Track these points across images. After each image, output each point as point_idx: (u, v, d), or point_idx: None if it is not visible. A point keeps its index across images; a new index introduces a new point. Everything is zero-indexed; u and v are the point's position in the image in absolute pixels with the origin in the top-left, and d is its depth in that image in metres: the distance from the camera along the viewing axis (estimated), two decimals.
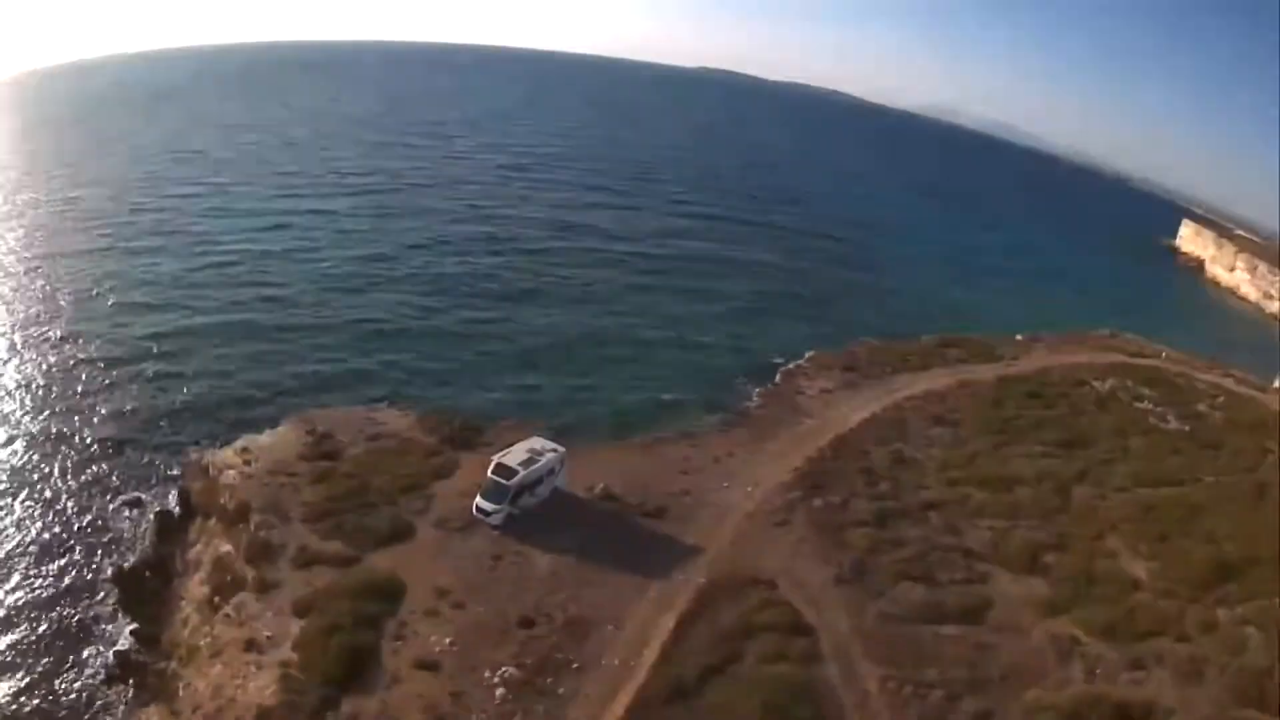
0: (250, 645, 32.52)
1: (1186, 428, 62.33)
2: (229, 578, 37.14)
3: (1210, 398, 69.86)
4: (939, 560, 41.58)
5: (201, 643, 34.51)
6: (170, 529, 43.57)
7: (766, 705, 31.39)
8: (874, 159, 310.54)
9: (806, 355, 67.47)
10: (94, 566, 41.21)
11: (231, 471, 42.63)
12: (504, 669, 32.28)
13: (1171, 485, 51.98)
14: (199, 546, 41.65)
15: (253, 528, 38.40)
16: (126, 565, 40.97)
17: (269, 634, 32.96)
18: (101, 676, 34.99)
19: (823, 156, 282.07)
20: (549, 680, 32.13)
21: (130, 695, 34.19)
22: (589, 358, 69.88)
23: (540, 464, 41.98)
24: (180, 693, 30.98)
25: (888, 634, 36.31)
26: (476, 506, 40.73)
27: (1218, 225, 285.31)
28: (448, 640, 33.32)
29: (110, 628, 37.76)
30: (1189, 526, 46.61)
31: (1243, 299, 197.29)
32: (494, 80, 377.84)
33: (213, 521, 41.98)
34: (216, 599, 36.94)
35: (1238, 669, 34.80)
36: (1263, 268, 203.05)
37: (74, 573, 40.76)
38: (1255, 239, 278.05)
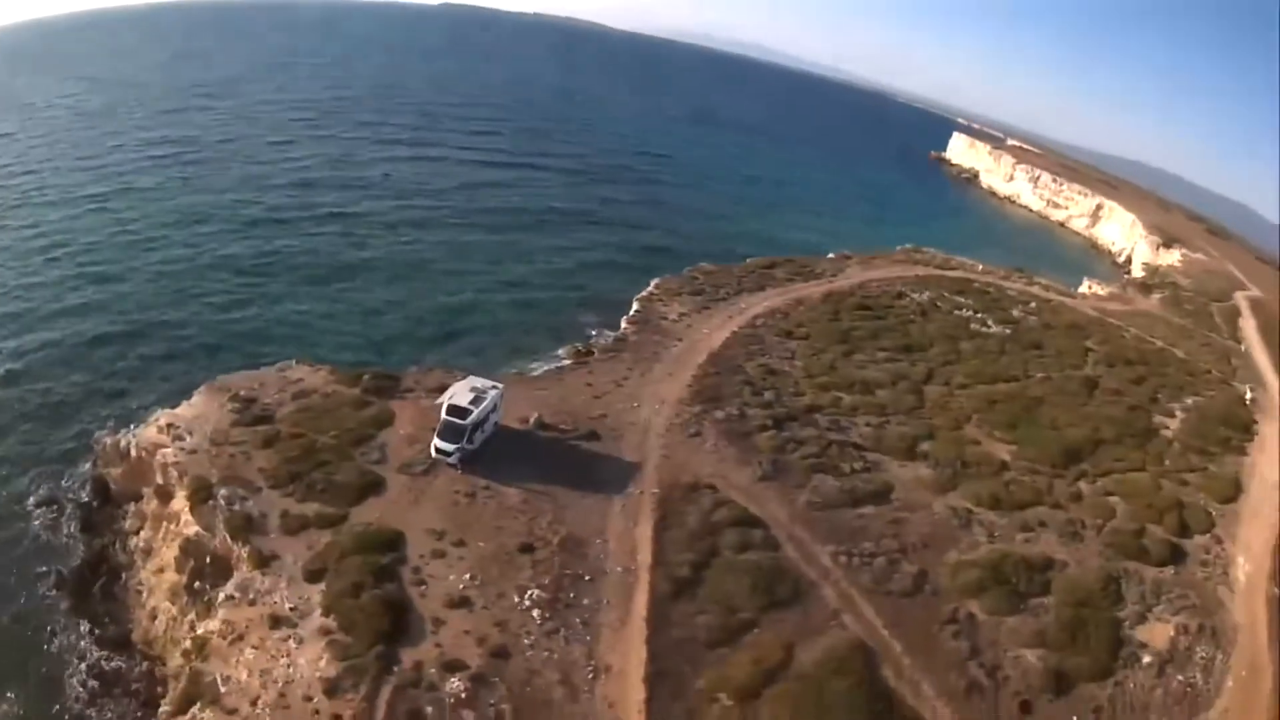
0: (277, 621, 32.03)
1: (1008, 331, 75.21)
2: (208, 559, 35.74)
3: (1023, 304, 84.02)
4: (837, 454, 49.07)
5: (200, 631, 33.27)
6: (96, 522, 40.62)
7: (755, 587, 37.00)
8: (642, 89, 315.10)
9: (653, 284, 71.98)
10: (29, 578, 38.06)
11: (167, 450, 40.01)
12: (530, 592, 35.01)
13: (1007, 382, 63.83)
14: (146, 533, 39.39)
15: (223, 502, 36.78)
16: (65, 571, 37.77)
17: (291, 605, 32.73)
18: (84, 696, 33.72)
19: (593, 89, 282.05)
20: (571, 594, 35.42)
21: (130, 706, 32.95)
22: (440, 320, 71.90)
23: (486, 401, 43.71)
24: (221, 686, 29.85)
25: (820, 518, 43.15)
26: (435, 448, 41.92)
27: (987, 136, 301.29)
28: (467, 576, 35.28)
29: (69, 640, 35.98)
30: (1033, 416, 58.45)
31: (1024, 208, 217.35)
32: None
33: (153, 504, 39.79)
34: (197, 584, 35.71)
35: (1112, 530, 45.74)
36: (1045, 177, 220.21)
37: (10, 590, 37.74)
38: (1029, 148, 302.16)
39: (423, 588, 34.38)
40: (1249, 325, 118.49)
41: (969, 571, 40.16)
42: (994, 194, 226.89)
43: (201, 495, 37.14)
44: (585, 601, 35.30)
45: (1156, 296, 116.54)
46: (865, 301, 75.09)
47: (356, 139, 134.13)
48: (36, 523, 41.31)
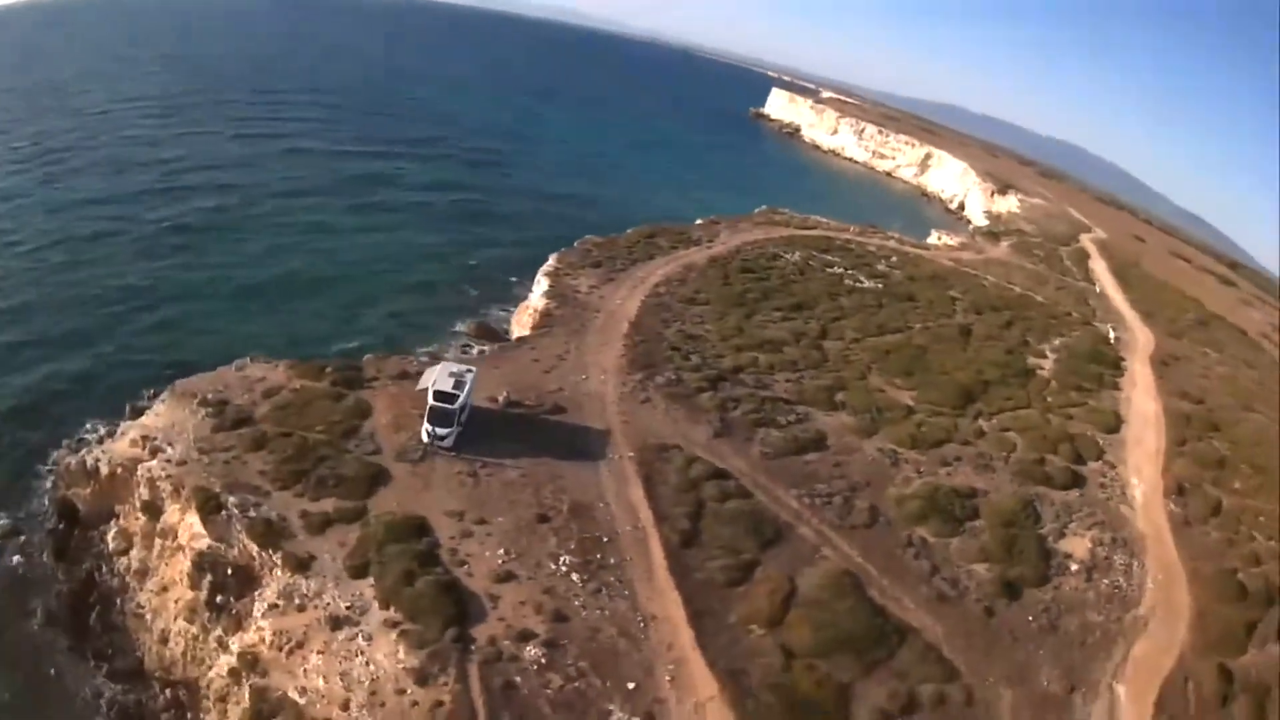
0: (337, 622, 32.24)
1: (879, 285, 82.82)
2: (229, 570, 35.06)
3: (885, 259, 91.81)
4: (771, 409, 54.19)
5: (237, 647, 33.06)
6: (71, 548, 38.21)
7: (746, 531, 41.56)
8: (466, 62, 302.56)
9: (552, 259, 73.78)
10: (16, 618, 35.84)
11: (149, 464, 38.16)
12: (562, 558, 37.44)
13: (893, 333, 71.16)
14: (137, 552, 37.61)
15: (236, 510, 35.86)
16: (53, 605, 35.45)
17: (347, 604, 33.03)
18: None
19: (421, 67, 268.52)
20: (598, 556, 38.23)
21: None
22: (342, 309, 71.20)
23: (467, 384, 44.77)
24: (298, 698, 29.98)
25: (775, 467, 48.17)
26: (429, 434, 42.86)
27: (803, 90, 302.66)
28: (501, 551, 37.06)
29: (78, 679, 34.57)
30: (923, 363, 65.99)
31: (849, 160, 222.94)
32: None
33: (139, 522, 38.00)
34: (219, 598, 35.05)
35: (1017, 461, 53.62)
36: (870, 129, 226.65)
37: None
38: (847, 99, 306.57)
39: (465, 567, 35.88)
40: (1100, 266, 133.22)
41: (911, 503, 46.67)
42: (818, 148, 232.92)
43: (210, 506, 36.07)
44: (611, 561, 38.21)
45: (1005, 244, 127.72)
46: (747, 264, 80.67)
47: (215, 134, 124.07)
48: (5, 557, 37.89)
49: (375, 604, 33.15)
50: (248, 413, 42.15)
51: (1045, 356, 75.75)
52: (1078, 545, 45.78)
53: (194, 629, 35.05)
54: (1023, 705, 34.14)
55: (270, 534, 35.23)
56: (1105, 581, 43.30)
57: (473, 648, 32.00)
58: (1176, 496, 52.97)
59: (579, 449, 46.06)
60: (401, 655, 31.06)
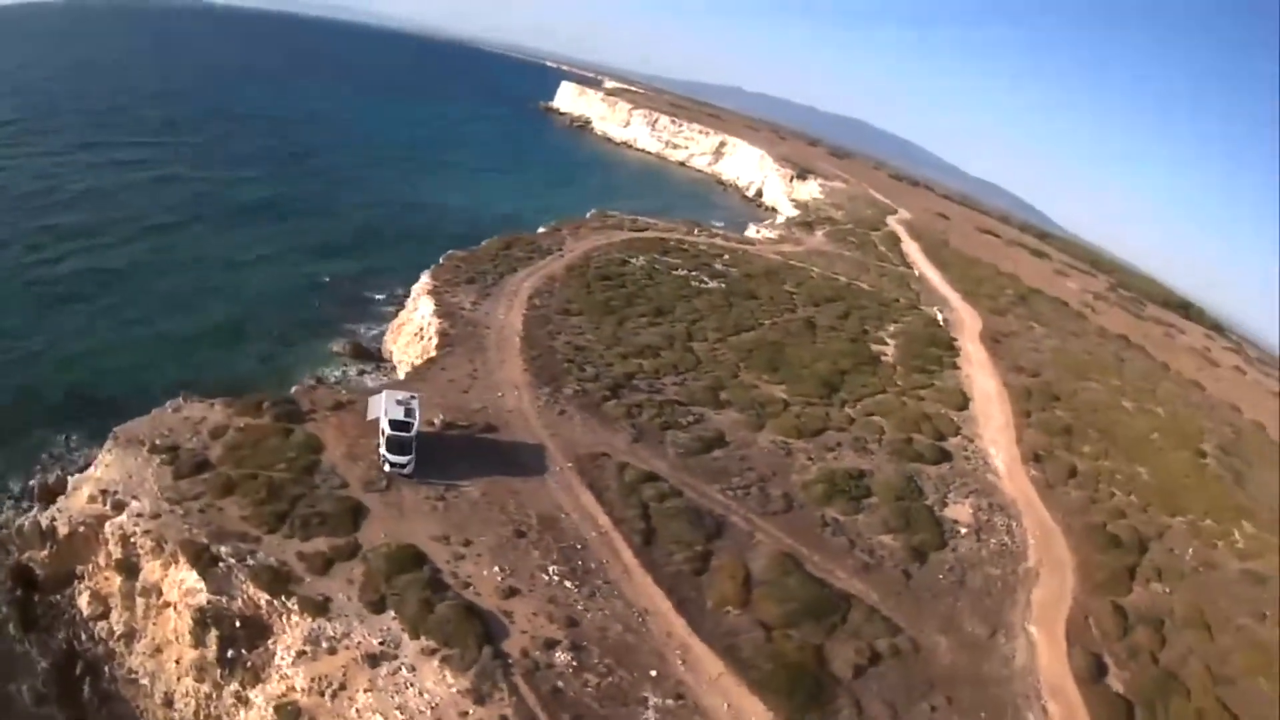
0: (375, 659, 32.88)
1: (722, 285, 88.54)
2: (236, 623, 34.25)
3: (718, 257, 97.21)
4: (670, 412, 58.81)
5: (260, 700, 32.92)
6: (39, 617, 34.74)
7: (690, 524, 46.02)
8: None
9: (425, 277, 73.91)
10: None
11: (117, 520, 35.73)
12: (550, 568, 40.02)
13: (747, 331, 77.39)
14: (118, 615, 35.32)
15: (233, 560, 34.78)
16: (38, 683, 32.52)
17: (379, 640, 33.67)
18: None
19: (208, 74, 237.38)
20: (578, 562, 41.27)
21: None
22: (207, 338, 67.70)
23: (417, 411, 45.31)
24: None
25: (692, 466, 53.08)
26: (389, 463, 43.45)
27: (587, 80, 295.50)
28: (495, 569, 39.02)
29: None
30: (784, 358, 72.77)
31: (642, 151, 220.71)
32: None
33: (115, 582, 35.59)
34: (230, 652, 34.35)
35: (889, 442, 61.36)
36: (664, 120, 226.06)
37: None
38: (635, 89, 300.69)
39: (470, 588, 37.55)
40: (913, 249, 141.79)
41: (815, 487, 53.08)
42: (610, 140, 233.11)
43: (206, 559, 34.73)
44: (592, 565, 41.34)
45: (820, 233, 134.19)
46: (601, 272, 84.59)
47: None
48: None
49: (405, 635, 34.10)
50: (202, 456, 40.42)
51: (886, 343, 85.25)
52: (961, 512, 54.20)
53: (205, 687, 34.02)
54: (957, 649, 41.41)
55: (277, 580, 34.84)
56: (993, 541, 51.87)
57: (510, 662, 34.02)
58: (1035, 463, 63.22)
59: (522, 464, 48.27)
60: (450, 679, 32.48)
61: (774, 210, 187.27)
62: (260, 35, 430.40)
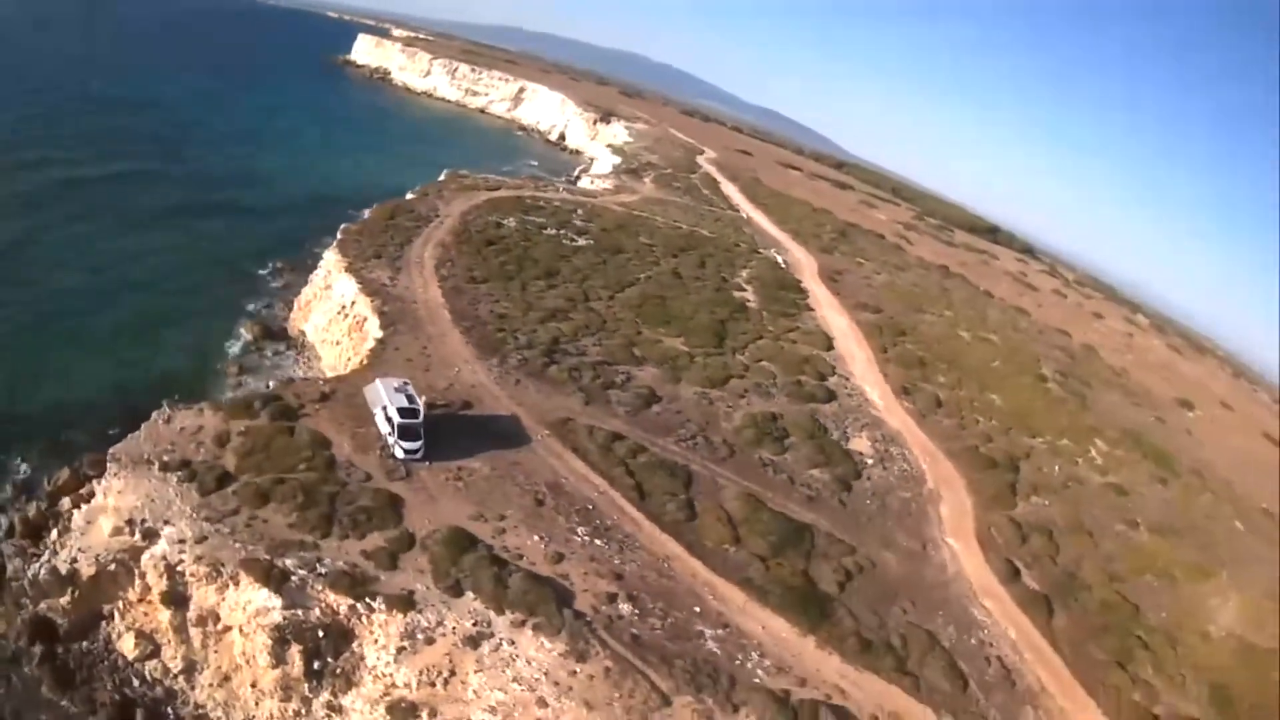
0: (475, 641, 33.36)
1: (591, 242, 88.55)
2: (320, 632, 33.24)
3: (572, 212, 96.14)
4: (602, 372, 60.51)
5: (360, 704, 32.52)
6: (75, 670, 31.77)
7: (667, 476, 49.06)
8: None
9: (332, 258, 69.20)
10: None
11: (153, 550, 32.56)
12: (578, 530, 41.70)
13: (630, 286, 78.73)
14: (171, 651, 32.58)
15: (303, 571, 33.45)
16: None
17: (471, 622, 34.04)
18: None
19: None
20: (596, 522, 43.38)
21: None
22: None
23: (418, 397, 44.57)
24: (494, 717, 30.82)
25: (641, 422, 55.75)
26: (403, 450, 42.81)
27: (376, 30, 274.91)
28: (535, 537, 40.30)
29: None
30: (669, 311, 74.89)
31: (442, 99, 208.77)
32: None
33: (163, 617, 32.84)
34: (316, 663, 33.47)
35: (783, 385, 65.76)
36: (464, 68, 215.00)
37: None
38: (423, 36, 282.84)
39: (524, 559, 38.66)
40: (732, 190, 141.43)
41: (745, 432, 57.13)
42: (410, 90, 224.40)
43: (276, 575, 32.87)
44: (608, 523, 43.65)
45: (648, 180, 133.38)
46: (484, 236, 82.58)
47: None
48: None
49: (492, 613, 34.88)
50: (219, 468, 37.49)
51: (745, 289, 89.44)
52: (862, 444, 60.01)
53: (292, 705, 32.98)
54: (900, 561, 47.33)
55: (356, 583, 33.90)
56: (896, 468, 58.09)
57: (589, 619, 35.84)
58: (905, 396, 70.12)
59: (507, 436, 48.84)
60: (548, 644, 33.94)
61: (579, 153, 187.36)
62: None
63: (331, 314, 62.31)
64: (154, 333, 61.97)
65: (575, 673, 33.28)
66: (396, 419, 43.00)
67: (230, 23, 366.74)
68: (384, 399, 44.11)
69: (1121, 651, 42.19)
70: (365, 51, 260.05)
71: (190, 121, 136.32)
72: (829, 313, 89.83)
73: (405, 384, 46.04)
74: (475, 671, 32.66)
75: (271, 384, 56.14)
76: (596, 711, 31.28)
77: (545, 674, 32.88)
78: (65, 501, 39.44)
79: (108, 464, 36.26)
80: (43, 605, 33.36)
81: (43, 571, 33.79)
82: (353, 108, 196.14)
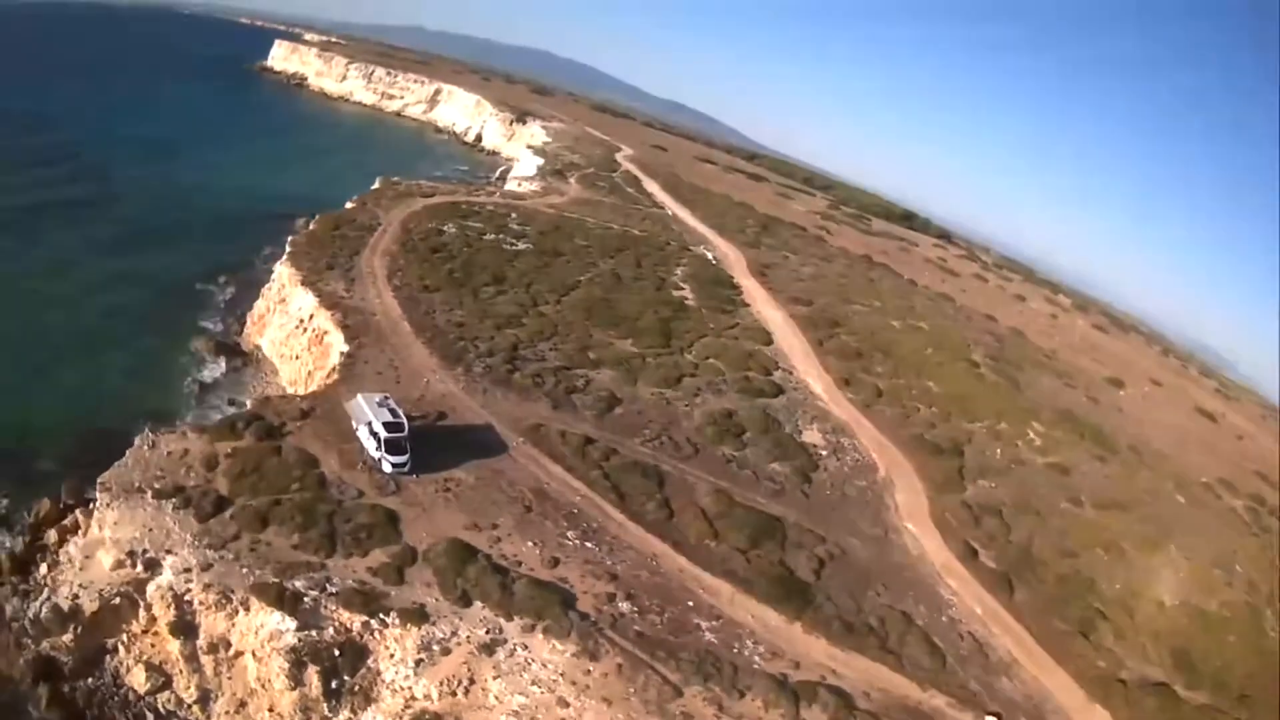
0: (489, 649, 34.01)
1: (530, 246, 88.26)
2: (337, 651, 33.18)
3: (507, 216, 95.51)
4: (563, 377, 61.02)
5: (405, 710, 32.70)
6: (81, 712, 30.88)
7: (642, 477, 50.29)
8: None
9: (284, 273, 67.29)
10: None
11: (161, 579, 31.82)
12: (568, 534, 42.67)
13: (574, 289, 79.02)
14: (184, 681, 32.87)
15: (314, 592, 33.25)
16: None
17: (484, 630, 34.68)
18: None
19: None
20: (584, 525, 44.39)
21: None
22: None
23: (401, 411, 44.45)
24: None
25: (608, 424, 56.52)
26: (391, 464, 42.84)
27: (287, 35, 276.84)
28: (529, 544, 41.14)
29: None
30: (617, 312, 75.55)
31: (358, 104, 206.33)
32: None
33: (171, 648, 32.19)
34: (334, 682, 33.50)
35: (733, 381, 66.73)
36: (379, 71, 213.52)
37: None
38: (341, 41, 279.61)
39: (523, 565, 39.37)
40: (654, 188, 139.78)
41: (706, 430, 58.30)
42: (326, 95, 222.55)
43: (289, 598, 32.60)
44: (594, 525, 44.67)
45: (574, 180, 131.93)
46: (428, 245, 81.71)
47: None
48: None
49: (502, 620, 35.57)
50: (212, 492, 36.81)
51: (682, 287, 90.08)
52: (814, 437, 61.91)
53: None
54: (867, 547, 49.41)
55: (367, 600, 33.88)
56: (849, 458, 60.13)
57: (594, 620, 36.86)
58: (847, 387, 72.08)
59: (485, 444, 49.25)
60: (559, 646, 34.90)
61: (496, 154, 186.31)
62: None
63: (289, 328, 60.94)
64: (105, 355, 59.72)
65: (590, 671, 34.29)
66: (383, 434, 42.93)
67: (142, 30, 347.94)
68: (368, 414, 43.95)
69: (1082, 622, 45.49)
70: (282, 58, 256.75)
71: (106, 137, 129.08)
72: (764, 308, 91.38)
73: (387, 398, 45.86)
74: (494, 678, 33.23)
75: (234, 401, 54.99)
76: (616, 707, 32.42)
77: (562, 675, 33.77)
78: (51, 534, 37.99)
79: (98, 494, 35.14)
80: (45, 644, 32.13)
81: (44, 610, 32.54)
82: (273, 116, 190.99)
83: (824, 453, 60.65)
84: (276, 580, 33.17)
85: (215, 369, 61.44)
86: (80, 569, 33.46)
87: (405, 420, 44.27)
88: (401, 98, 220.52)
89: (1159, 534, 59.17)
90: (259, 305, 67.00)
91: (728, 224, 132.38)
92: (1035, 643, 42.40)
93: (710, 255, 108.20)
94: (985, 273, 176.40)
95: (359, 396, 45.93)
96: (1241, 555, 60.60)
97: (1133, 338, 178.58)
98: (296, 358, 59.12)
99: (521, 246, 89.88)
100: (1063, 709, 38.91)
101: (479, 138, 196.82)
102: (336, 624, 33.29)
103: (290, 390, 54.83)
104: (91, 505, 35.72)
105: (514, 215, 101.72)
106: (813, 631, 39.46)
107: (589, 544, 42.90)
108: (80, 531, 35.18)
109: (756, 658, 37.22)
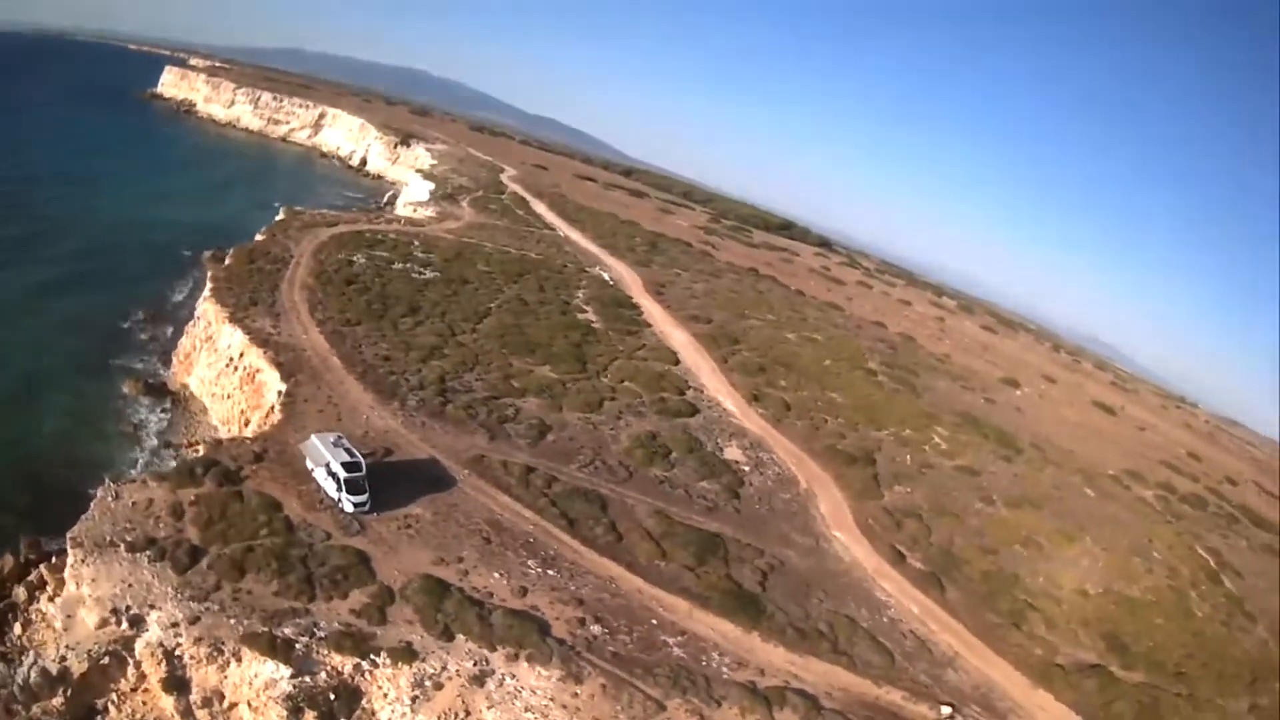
0: (479, 680, 34.58)
1: (437, 274, 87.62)
2: (331, 695, 33.12)
3: (409, 244, 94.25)
4: (494, 406, 61.55)
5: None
6: None
7: (585, 502, 51.65)
8: None
9: (211, 306, 63.75)
10: None
11: (148, 635, 30.85)
12: (528, 563, 43.73)
13: (486, 316, 79.31)
14: None
15: (305, 638, 32.95)
16: None
17: (472, 662, 35.16)
18: None
19: None
20: (541, 553, 45.43)
21: None
22: None
23: (356, 450, 44.16)
24: None
25: (542, 452, 57.45)
26: (352, 504, 42.66)
27: (175, 61, 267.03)
28: (497, 575, 41.91)
29: None
30: (530, 338, 75.88)
31: (245, 129, 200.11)
32: None
33: (166, 701, 32.20)
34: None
35: (650, 402, 68.29)
36: (266, 96, 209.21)
37: None
38: (226, 65, 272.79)
39: (493, 597, 40.10)
40: (542, 208, 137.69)
41: (636, 453, 59.82)
42: (215, 121, 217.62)
43: (281, 646, 32.20)
44: (552, 552, 45.81)
45: (465, 204, 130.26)
46: (342, 276, 79.82)
47: None
48: None
49: (486, 651, 36.18)
50: (185, 542, 35.61)
51: (586, 310, 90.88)
52: (735, 453, 64.55)
53: None
54: (802, 556, 52.58)
55: (357, 642, 33.80)
56: (770, 472, 63.16)
57: (570, 644, 38.11)
58: (757, 403, 74.96)
59: (434, 478, 49.52)
60: (544, 672, 36.06)
61: (381, 178, 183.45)
62: None
63: (219, 367, 58.65)
64: (37, 402, 56.31)
65: (577, 694, 35.56)
66: (342, 474, 42.71)
67: (28, 57, 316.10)
68: (325, 455, 43.46)
69: (1013, 614, 49.91)
70: (171, 84, 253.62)
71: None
72: (666, 327, 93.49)
73: (340, 438, 45.40)
74: (488, 708, 33.94)
75: (170, 443, 52.85)
76: None
77: (552, 699, 34.90)
78: (19, 591, 35.26)
79: (70, 550, 33.30)
80: (36, 708, 30.19)
81: (32, 674, 30.58)
82: (165, 144, 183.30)
83: (747, 468, 63.46)
84: (265, 629, 32.68)
85: (147, 411, 59.06)
86: (64, 629, 31.62)
87: (362, 459, 44.07)
88: (287, 123, 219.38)
89: (1073, 527, 63.70)
90: (184, 343, 64.15)
91: (618, 243, 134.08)
92: (973, 636, 46.64)
93: (606, 276, 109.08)
94: (869, 279, 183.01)
95: (313, 437, 45.26)
96: (1158, 543, 65.78)
97: (1022, 336, 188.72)
98: (228, 397, 56.96)
99: (429, 275, 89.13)
100: (1009, 696, 43.21)
101: (363, 161, 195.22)
102: (329, 668, 33.08)
103: (223, 429, 52.76)
104: (56, 560, 33.71)
105: (417, 243, 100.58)
106: (769, 640, 42.27)
107: (550, 571, 44.10)
108: (51, 589, 33.09)
109: (724, 668, 39.62)
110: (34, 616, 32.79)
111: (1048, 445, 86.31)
